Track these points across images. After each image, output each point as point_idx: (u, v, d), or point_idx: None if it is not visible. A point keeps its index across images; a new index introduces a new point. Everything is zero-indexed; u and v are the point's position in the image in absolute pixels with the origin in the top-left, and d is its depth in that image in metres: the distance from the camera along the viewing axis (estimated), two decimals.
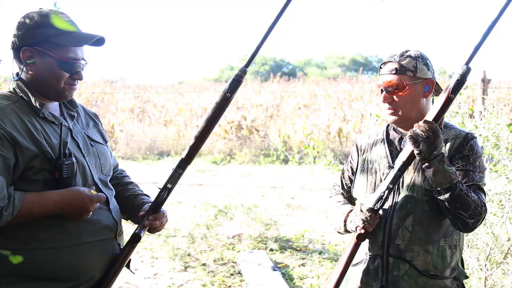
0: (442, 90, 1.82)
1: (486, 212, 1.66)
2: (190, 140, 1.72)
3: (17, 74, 1.61)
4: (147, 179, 8.16)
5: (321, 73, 30.54)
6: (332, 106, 12.76)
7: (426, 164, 1.59)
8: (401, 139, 1.84)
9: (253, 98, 13.77)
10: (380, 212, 1.76)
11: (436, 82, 1.80)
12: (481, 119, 3.52)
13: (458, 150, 1.73)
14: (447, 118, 3.48)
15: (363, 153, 1.93)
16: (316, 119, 11.55)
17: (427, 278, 1.71)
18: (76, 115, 1.71)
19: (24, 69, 1.57)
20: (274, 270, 4.13)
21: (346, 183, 2.02)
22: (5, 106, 1.51)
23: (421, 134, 1.57)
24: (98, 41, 1.63)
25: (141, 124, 12.39)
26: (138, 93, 15.14)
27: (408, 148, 1.65)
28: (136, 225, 1.75)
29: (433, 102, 1.88)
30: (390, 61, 1.77)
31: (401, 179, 1.75)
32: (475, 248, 3.04)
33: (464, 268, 1.85)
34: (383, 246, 1.76)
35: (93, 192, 1.59)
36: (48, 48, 1.55)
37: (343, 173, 2.04)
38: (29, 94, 1.57)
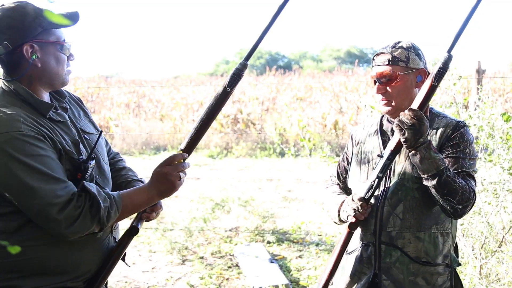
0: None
1: (475, 198, 1.67)
2: (187, 134, 1.71)
3: (6, 74, 1.54)
4: (144, 173, 8.14)
5: (317, 65, 30.53)
6: (328, 98, 12.77)
7: (413, 151, 1.62)
8: (393, 129, 1.85)
9: (249, 91, 13.76)
10: (372, 200, 1.78)
11: (428, 72, 1.81)
12: (475, 109, 3.54)
13: (448, 138, 1.75)
14: (441, 108, 3.50)
15: (357, 144, 1.95)
16: (312, 112, 11.55)
17: (419, 265, 1.73)
18: (68, 106, 1.68)
19: (30, 67, 1.52)
20: (272, 262, 4.15)
21: (341, 174, 2.04)
22: (21, 112, 1.46)
23: (406, 122, 1.59)
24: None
25: (137, 119, 12.37)
26: (134, 88, 15.11)
27: (396, 136, 1.68)
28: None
29: None
30: (382, 52, 1.79)
31: (392, 168, 1.78)
32: (470, 237, 3.07)
33: (458, 256, 1.87)
34: (375, 233, 1.78)
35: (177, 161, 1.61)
36: (46, 37, 1.53)
37: (339, 164, 2.07)
38: (35, 96, 1.53)
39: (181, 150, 1.67)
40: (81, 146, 1.59)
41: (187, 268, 4.21)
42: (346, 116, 10.98)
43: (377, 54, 1.81)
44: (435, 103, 3.69)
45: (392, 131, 1.85)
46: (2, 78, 1.56)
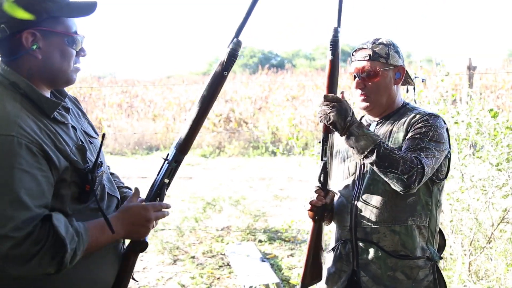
0: (411, 78, 1.85)
1: (423, 169, 1.59)
2: (181, 130, 1.55)
3: (6, 65, 1.32)
4: (136, 173, 8.14)
5: (310, 64, 30.53)
6: (320, 96, 12.76)
7: (346, 133, 1.62)
8: (369, 126, 1.86)
9: (241, 90, 13.75)
10: (338, 191, 1.83)
11: (406, 71, 1.83)
12: (462, 105, 3.55)
13: (413, 124, 1.73)
14: (430, 104, 3.50)
15: (336, 145, 1.95)
16: (305, 110, 11.55)
17: (397, 259, 1.72)
18: (70, 107, 1.46)
19: (27, 57, 1.30)
20: (263, 261, 4.14)
21: None
22: (19, 111, 1.25)
23: (326, 108, 1.63)
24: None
25: (129, 119, 12.32)
26: (126, 88, 15.04)
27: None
28: None
29: (407, 90, 1.91)
30: (363, 48, 1.79)
31: (365, 163, 1.75)
32: (459, 233, 3.07)
33: (442, 251, 1.87)
34: (351, 230, 1.78)
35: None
36: (51, 25, 1.30)
37: None
38: (38, 91, 1.31)
39: (176, 149, 1.51)
40: (88, 153, 1.39)
41: (178, 268, 4.19)
42: None
43: (357, 50, 1.81)
44: (424, 100, 3.69)
45: (368, 126, 1.86)
46: (0, 68, 1.32)
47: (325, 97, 1.65)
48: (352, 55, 1.83)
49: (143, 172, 8.23)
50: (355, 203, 1.77)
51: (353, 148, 1.63)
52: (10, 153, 1.17)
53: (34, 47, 1.28)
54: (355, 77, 1.79)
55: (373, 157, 1.59)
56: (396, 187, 1.61)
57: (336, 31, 1.69)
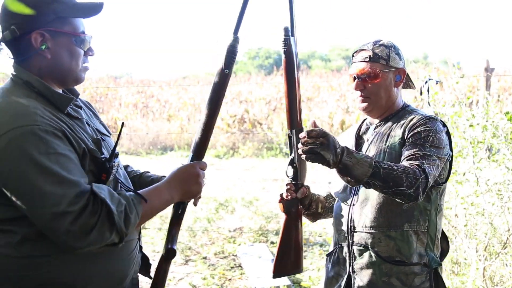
0: (411, 81, 1.83)
1: (426, 177, 1.54)
2: (195, 135, 1.59)
3: (19, 65, 1.37)
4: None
5: (325, 65, 30.43)
6: (335, 98, 12.71)
7: (339, 166, 1.49)
8: (367, 129, 1.84)
9: (256, 91, 13.74)
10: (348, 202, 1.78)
11: (407, 73, 1.80)
12: (477, 108, 3.49)
13: (411, 128, 1.68)
14: (444, 107, 3.45)
15: None
16: (320, 112, 11.51)
17: (392, 265, 1.69)
18: (81, 105, 1.50)
19: (37, 57, 1.35)
20: None
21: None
22: (37, 104, 1.29)
23: (314, 147, 1.47)
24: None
25: (144, 119, 12.40)
26: (142, 88, 15.14)
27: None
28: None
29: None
30: (363, 49, 1.77)
31: None
32: (473, 238, 3.02)
33: (445, 256, 1.83)
34: (347, 234, 1.76)
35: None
36: (59, 26, 1.34)
37: None
38: (51, 88, 1.36)
39: (192, 153, 1.56)
40: (102, 146, 1.44)
41: (190, 268, 4.20)
42: (353, 116, 10.91)
43: (357, 51, 1.79)
44: (441, 101, 3.63)
45: (366, 131, 1.85)
46: (13, 68, 1.38)
47: (308, 133, 1.48)
48: (353, 56, 1.81)
49: (158, 172, 8.26)
50: (352, 207, 1.75)
51: (351, 179, 1.52)
52: (40, 141, 1.22)
53: (43, 47, 1.33)
54: (354, 78, 1.76)
55: (377, 182, 1.50)
56: (402, 200, 1.56)
57: (286, 31, 1.64)
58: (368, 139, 1.82)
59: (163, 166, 9.00)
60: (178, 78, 21.84)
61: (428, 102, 3.66)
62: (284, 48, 1.65)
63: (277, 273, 1.79)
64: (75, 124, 1.36)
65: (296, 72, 1.66)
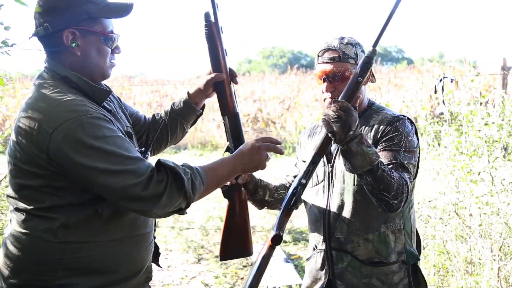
0: (373, 75, 1.75)
1: (408, 192, 1.57)
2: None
3: (53, 60, 1.44)
4: None
5: None
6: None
7: (344, 147, 1.49)
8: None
9: (270, 90, 13.73)
10: (320, 204, 1.77)
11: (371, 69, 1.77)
12: (494, 107, 3.44)
13: (382, 133, 1.67)
14: (459, 106, 3.41)
15: (304, 148, 1.92)
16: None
17: (372, 267, 1.69)
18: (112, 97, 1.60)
19: (68, 54, 1.42)
20: (287, 262, 4.12)
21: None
22: (83, 98, 1.38)
23: (332, 115, 1.47)
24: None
25: None
26: (156, 88, 15.22)
27: (321, 134, 1.59)
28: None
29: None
30: (330, 49, 1.70)
31: (333, 172, 1.73)
32: (488, 238, 2.98)
33: (419, 251, 1.81)
34: (325, 240, 1.75)
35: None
36: (90, 25, 1.42)
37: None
38: (90, 82, 1.44)
39: (315, 153, 1.58)
40: (133, 139, 1.52)
41: (202, 267, 4.21)
42: None
43: (325, 51, 1.71)
44: (456, 100, 3.59)
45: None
46: (47, 62, 1.46)
47: (335, 101, 1.50)
48: (318, 55, 1.73)
49: None
50: (327, 213, 1.74)
51: (346, 162, 1.53)
52: (95, 127, 1.31)
53: (73, 44, 1.41)
54: (324, 80, 1.70)
55: (369, 179, 1.50)
56: (381, 207, 1.56)
57: (206, 16, 1.68)
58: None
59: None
60: (192, 77, 21.94)
61: (443, 101, 3.63)
62: (206, 33, 1.67)
63: (222, 257, 1.80)
64: (112, 117, 1.45)
65: (221, 57, 1.68)
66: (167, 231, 5.03)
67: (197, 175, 1.41)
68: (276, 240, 1.61)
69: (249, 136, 10.34)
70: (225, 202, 5.68)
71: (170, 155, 10.23)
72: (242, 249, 1.79)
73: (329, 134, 1.51)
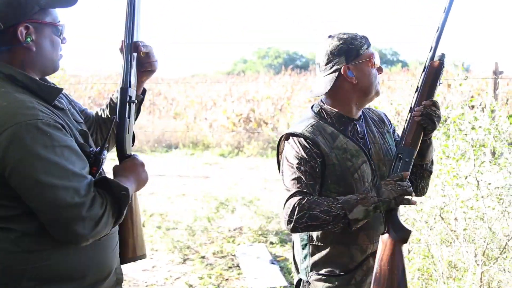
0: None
1: None
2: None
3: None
4: (154, 171, 8.17)
5: None
6: None
7: (430, 141, 1.71)
8: (343, 127, 1.73)
9: (263, 90, 13.70)
10: None
11: None
12: (482, 111, 3.43)
13: (390, 123, 1.90)
14: (448, 110, 3.39)
15: (332, 149, 1.69)
16: None
17: None
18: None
19: (21, 50, 1.33)
20: (273, 263, 4.09)
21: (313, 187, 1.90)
22: (31, 98, 1.29)
23: (434, 115, 1.61)
24: None
25: (151, 117, 12.41)
26: (150, 86, 15.13)
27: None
28: None
29: None
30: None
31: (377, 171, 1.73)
32: (472, 242, 2.96)
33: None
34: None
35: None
36: (42, 17, 1.34)
37: (305, 175, 1.69)
38: (38, 80, 1.35)
39: (412, 148, 1.64)
40: (89, 138, 1.45)
41: (187, 268, 4.18)
42: None
43: (366, 38, 1.72)
44: (449, 103, 3.58)
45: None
46: None
47: (434, 103, 1.62)
48: (364, 43, 1.70)
49: (161, 170, 8.26)
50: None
51: (425, 159, 1.74)
52: (45, 135, 1.22)
53: (28, 39, 1.31)
54: (379, 68, 1.73)
55: (432, 168, 1.79)
56: (422, 192, 1.85)
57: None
58: (360, 137, 1.73)
59: (167, 164, 9.00)
60: (187, 76, 21.88)
61: None
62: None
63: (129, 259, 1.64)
64: (64, 116, 1.37)
65: (128, 26, 1.57)
66: (153, 231, 4.99)
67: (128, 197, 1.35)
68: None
69: (241, 136, 10.31)
70: (214, 203, 5.61)
71: (162, 154, 10.17)
72: (137, 251, 1.63)
73: (428, 130, 1.63)
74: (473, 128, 3.20)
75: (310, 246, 1.72)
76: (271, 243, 4.70)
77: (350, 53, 1.67)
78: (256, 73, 23.05)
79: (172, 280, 3.92)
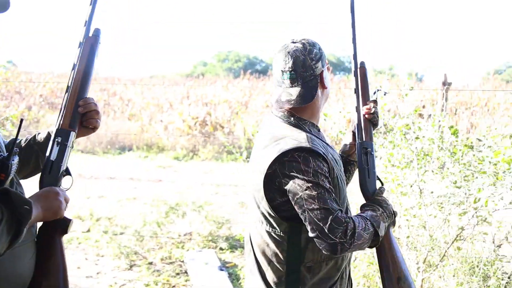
0: None
1: None
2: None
3: None
4: (105, 174, 7.97)
5: None
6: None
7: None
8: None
9: (221, 94, 13.65)
10: None
11: None
12: (426, 121, 3.52)
13: None
14: (395, 119, 3.46)
15: (334, 164, 1.60)
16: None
17: None
18: None
19: None
20: (221, 269, 4.05)
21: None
22: None
23: (376, 110, 1.79)
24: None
25: (104, 117, 12.12)
26: (105, 86, 14.81)
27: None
28: None
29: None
30: None
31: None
32: (414, 250, 3.02)
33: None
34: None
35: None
36: None
37: (328, 192, 1.48)
38: None
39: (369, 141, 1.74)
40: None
41: (133, 274, 4.08)
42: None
43: None
44: (399, 112, 3.64)
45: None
46: None
47: (375, 102, 1.78)
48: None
49: (113, 173, 8.08)
50: None
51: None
52: None
53: None
54: None
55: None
56: None
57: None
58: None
59: (119, 166, 8.80)
60: (145, 77, 21.49)
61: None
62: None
63: None
64: None
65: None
66: (99, 235, 4.85)
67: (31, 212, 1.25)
68: None
69: (197, 140, 10.21)
70: (163, 207, 5.48)
71: (114, 156, 9.94)
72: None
73: (376, 126, 1.79)
74: (417, 138, 3.27)
75: (303, 268, 1.55)
76: (221, 249, 4.65)
77: (324, 58, 1.65)
78: (216, 76, 22.97)
79: (117, 287, 3.81)
